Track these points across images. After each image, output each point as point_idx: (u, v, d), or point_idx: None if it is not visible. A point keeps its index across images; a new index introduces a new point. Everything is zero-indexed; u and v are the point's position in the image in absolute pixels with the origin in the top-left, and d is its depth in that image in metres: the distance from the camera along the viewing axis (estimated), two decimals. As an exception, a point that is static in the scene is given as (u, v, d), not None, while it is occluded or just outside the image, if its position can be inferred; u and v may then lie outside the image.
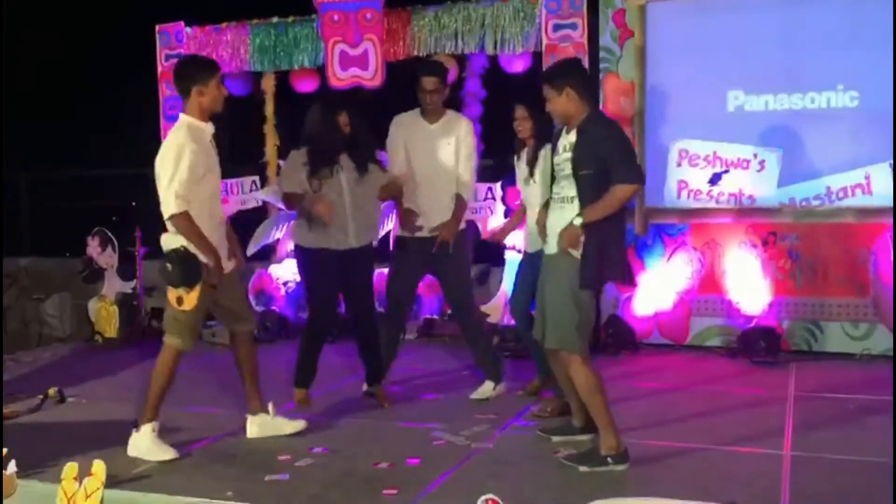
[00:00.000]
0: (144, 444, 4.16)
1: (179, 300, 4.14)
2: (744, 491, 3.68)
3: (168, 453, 4.15)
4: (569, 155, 3.99)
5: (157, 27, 7.80)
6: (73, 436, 4.64)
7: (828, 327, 6.19)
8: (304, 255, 4.96)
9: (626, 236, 4.28)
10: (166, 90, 7.79)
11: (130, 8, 9.14)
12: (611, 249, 3.95)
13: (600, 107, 6.53)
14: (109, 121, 9.76)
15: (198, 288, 4.10)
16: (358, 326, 5.08)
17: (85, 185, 10.34)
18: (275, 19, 7.43)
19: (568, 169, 3.98)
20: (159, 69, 7.79)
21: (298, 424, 4.53)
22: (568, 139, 4.03)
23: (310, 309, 5.09)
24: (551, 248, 4.06)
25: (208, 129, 4.23)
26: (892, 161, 5.96)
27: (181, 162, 4.04)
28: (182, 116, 4.22)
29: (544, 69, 4.26)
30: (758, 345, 6.08)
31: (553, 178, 4.15)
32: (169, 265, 4.11)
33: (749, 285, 6.30)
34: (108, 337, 7.32)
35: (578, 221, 3.88)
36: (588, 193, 3.91)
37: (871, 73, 6.01)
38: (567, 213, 3.97)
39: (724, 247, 6.39)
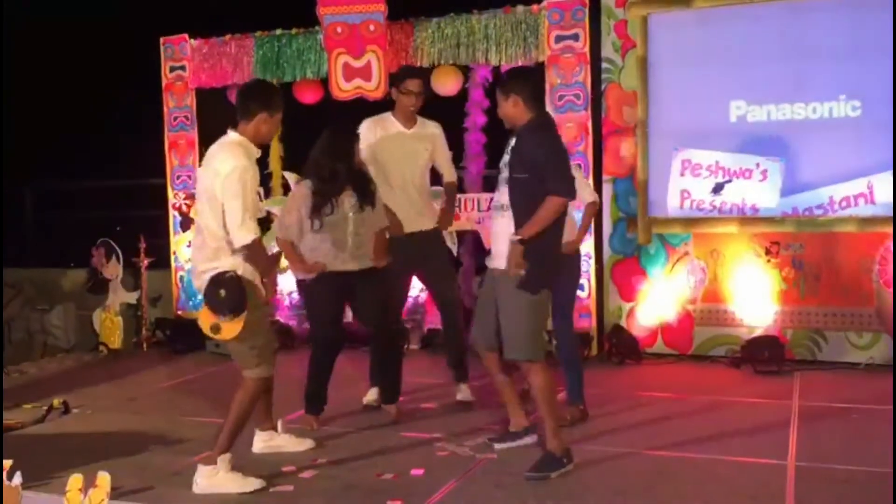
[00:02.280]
0: (223, 478, 3.91)
1: (216, 328, 3.89)
2: (748, 502, 3.68)
3: (253, 484, 3.93)
4: (506, 158, 4.07)
5: (161, 39, 7.84)
6: (78, 447, 4.65)
7: (832, 336, 6.18)
8: (302, 281, 5.00)
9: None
10: (170, 101, 7.82)
11: (135, 20, 9.17)
12: (548, 258, 4.01)
13: (603, 116, 6.60)
14: (114, 132, 9.79)
15: (242, 317, 3.86)
16: (373, 345, 5.07)
17: (89, 195, 10.37)
18: (278, 31, 7.45)
19: (505, 172, 4.05)
20: (164, 81, 7.82)
21: (304, 443, 4.54)
22: (512, 143, 4.11)
23: (311, 331, 5.09)
24: (497, 261, 4.08)
25: (257, 152, 4.05)
26: (894, 170, 5.96)
27: (247, 186, 3.85)
28: (235, 135, 4.01)
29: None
30: (762, 354, 6.07)
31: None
32: (222, 291, 3.85)
33: (752, 295, 6.30)
34: (113, 348, 7.35)
35: (516, 239, 3.91)
36: (520, 198, 3.96)
37: (874, 83, 6.01)
38: (505, 221, 4.02)
39: (727, 256, 6.39)
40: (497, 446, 4.44)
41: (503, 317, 4.09)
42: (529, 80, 4.21)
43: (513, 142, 4.12)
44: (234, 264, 3.92)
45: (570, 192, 3.99)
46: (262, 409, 4.45)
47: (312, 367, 4.96)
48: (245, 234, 3.85)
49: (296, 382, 5.09)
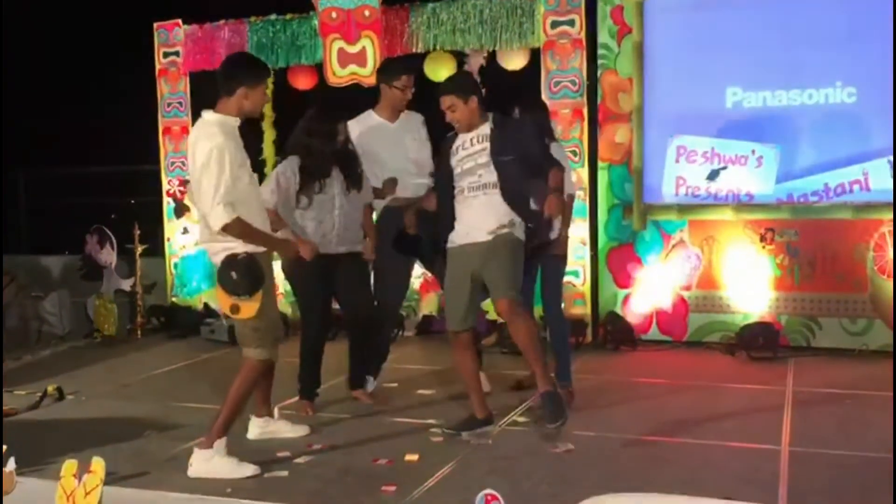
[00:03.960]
0: (218, 463, 3.91)
1: (235, 308, 3.89)
2: (742, 486, 3.69)
3: (249, 469, 3.93)
4: (484, 145, 4.38)
5: (155, 25, 7.80)
6: (73, 433, 4.65)
7: (826, 323, 6.19)
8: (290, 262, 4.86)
9: None
10: (164, 87, 7.79)
11: (128, 5, 9.13)
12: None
13: (599, 102, 6.58)
14: (107, 118, 9.77)
15: (259, 296, 3.87)
16: (350, 329, 5.06)
17: (83, 182, 10.34)
18: (273, 17, 7.42)
19: (484, 158, 4.36)
20: (157, 67, 7.79)
21: (300, 429, 4.53)
22: (478, 132, 4.42)
23: (301, 315, 5.06)
24: (482, 234, 4.36)
25: (237, 122, 3.99)
26: (890, 157, 5.97)
27: (224, 167, 3.79)
28: (211, 114, 3.94)
29: (445, 81, 4.71)
30: (756, 340, 6.08)
31: (449, 173, 4.49)
32: (234, 273, 3.84)
33: (747, 281, 6.31)
34: (107, 334, 7.33)
35: (559, 223, 4.64)
36: (512, 177, 4.34)
37: (870, 70, 6.00)
38: (488, 198, 4.36)
39: (722, 243, 6.39)
40: (464, 435, 4.42)
41: (496, 270, 4.33)
42: (480, 86, 4.60)
43: (484, 129, 4.41)
44: (243, 246, 3.90)
45: (559, 164, 4.49)
46: (259, 396, 4.45)
47: (304, 352, 4.95)
48: (215, 218, 3.81)
49: (290, 369, 5.08)
